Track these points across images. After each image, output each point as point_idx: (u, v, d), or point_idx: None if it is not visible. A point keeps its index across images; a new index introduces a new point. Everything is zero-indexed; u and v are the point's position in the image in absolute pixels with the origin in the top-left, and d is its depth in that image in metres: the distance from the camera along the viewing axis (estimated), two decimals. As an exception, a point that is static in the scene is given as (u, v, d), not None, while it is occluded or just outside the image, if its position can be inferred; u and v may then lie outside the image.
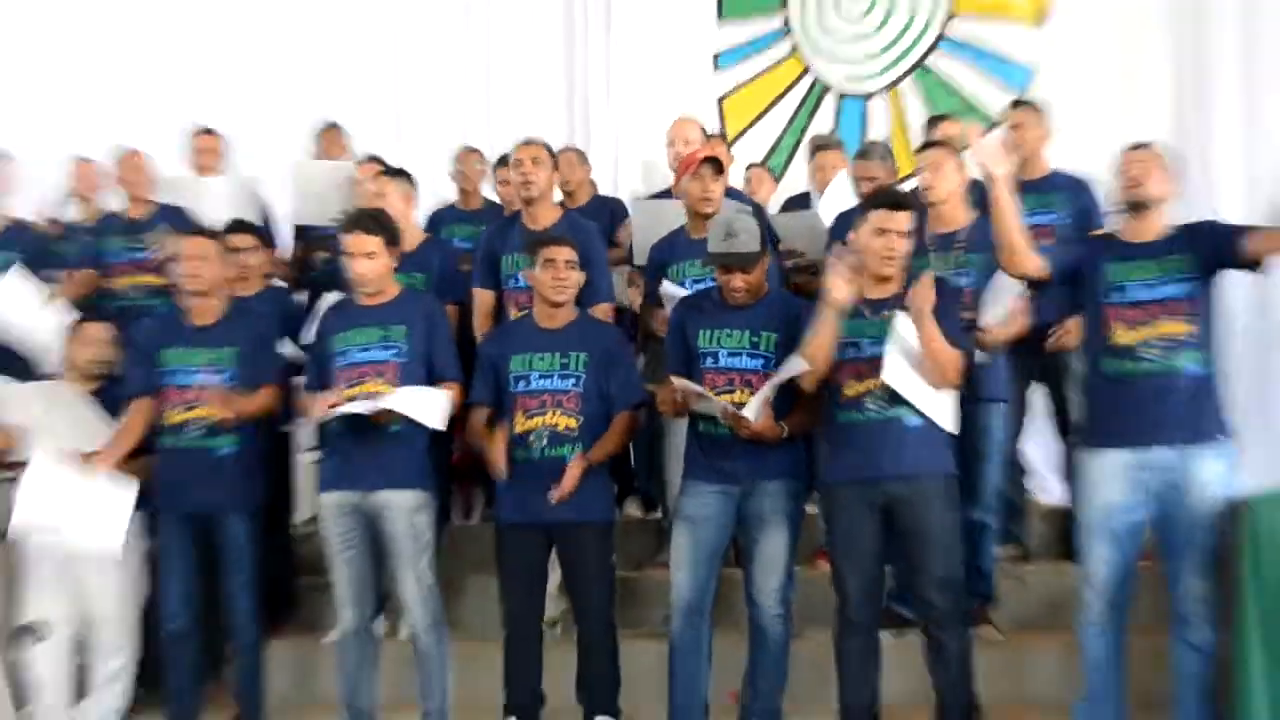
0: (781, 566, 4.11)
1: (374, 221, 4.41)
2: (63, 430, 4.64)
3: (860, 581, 3.97)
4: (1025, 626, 4.86)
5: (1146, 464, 3.82)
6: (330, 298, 5.11)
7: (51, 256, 5.81)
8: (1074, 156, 5.19)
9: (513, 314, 4.89)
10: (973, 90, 7.22)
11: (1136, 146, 3.97)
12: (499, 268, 5.00)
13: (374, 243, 4.35)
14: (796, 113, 7.51)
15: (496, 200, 5.93)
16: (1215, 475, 3.79)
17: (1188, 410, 3.79)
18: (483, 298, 5.02)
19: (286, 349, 5.05)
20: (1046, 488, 5.64)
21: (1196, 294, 3.84)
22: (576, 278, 4.41)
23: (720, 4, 7.67)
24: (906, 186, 5.01)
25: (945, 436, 3.98)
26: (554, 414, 4.28)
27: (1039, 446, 5.52)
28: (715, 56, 7.59)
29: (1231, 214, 6.26)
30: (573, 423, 4.27)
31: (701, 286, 4.54)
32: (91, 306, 5.57)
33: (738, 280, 4.14)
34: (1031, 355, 4.80)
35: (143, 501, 4.68)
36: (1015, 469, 5.10)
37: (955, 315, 3.99)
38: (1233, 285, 4.15)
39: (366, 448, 4.26)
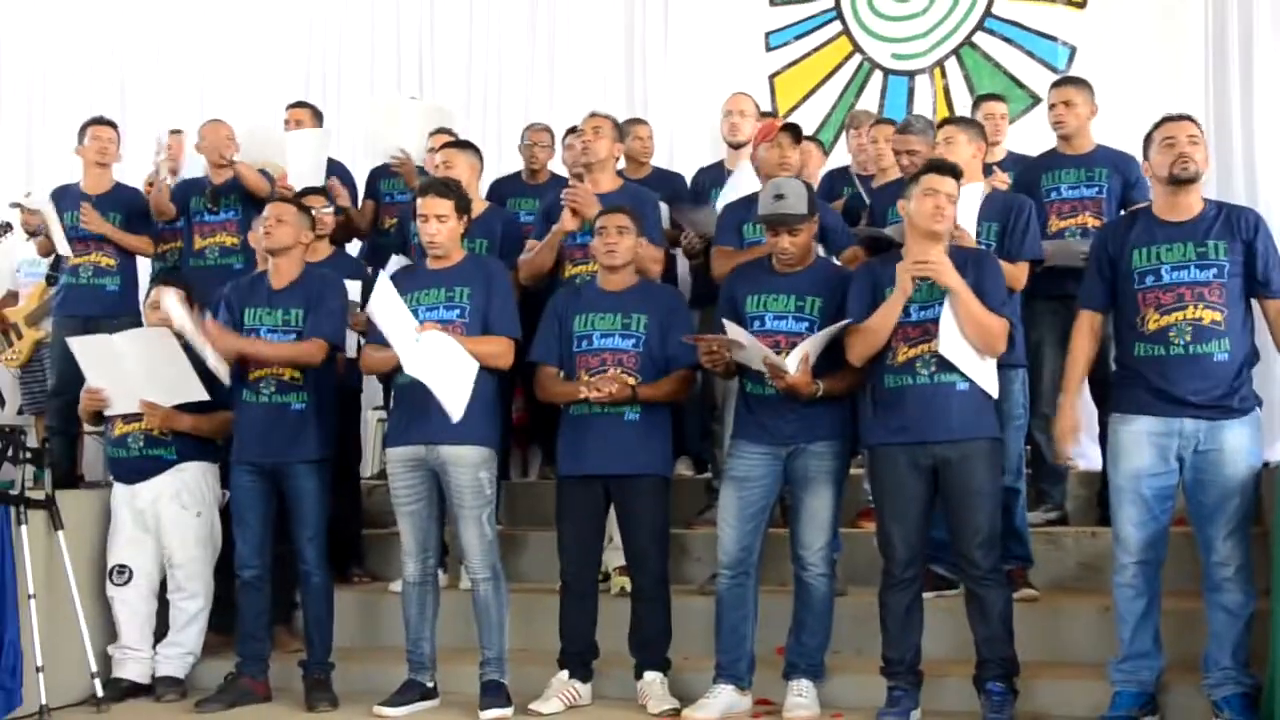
0: (827, 526, 4.21)
1: (447, 188, 4.54)
2: (161, 378, 4.79)
3: (906, 540, 4.06)
4: (1062, 588, 4.92)
5: (1176, 431, 3.86)
6: (395, 262, 5.28)
7: (148, 220, 6.01)
8: (1115, 134, 5.25)
9: (567, 270, 5.04)
10: (1016, 68, 7.31)
11: (1177, 118, 3.96)
12: None
13: (446, 206, 4.47)
14: (845, 90, 7.63)
15: (562, 174, 6.05)
16: (1245, 442, 3.83)
17: (1217, 390, 3.82)
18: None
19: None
20: (1085, 453, 5.61)
21: (1228, 277, 3.85)
22: (628, 243, 4.50)
23: (773, -13, 7.84)
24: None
25: (989, 401, 4.07)
26: (614, 372, 4.37)
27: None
28: (767, 36, 7.73)
29: (1273, 189, 6.37)
30: (632, 381, 4.37)
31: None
32: (175, 267, 5.86)
33: (785, 241, 4.24)
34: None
35: (221, 453, 4.91)
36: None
37: (998, 286, 4.08)
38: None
39: (432, 404, 4.30)
